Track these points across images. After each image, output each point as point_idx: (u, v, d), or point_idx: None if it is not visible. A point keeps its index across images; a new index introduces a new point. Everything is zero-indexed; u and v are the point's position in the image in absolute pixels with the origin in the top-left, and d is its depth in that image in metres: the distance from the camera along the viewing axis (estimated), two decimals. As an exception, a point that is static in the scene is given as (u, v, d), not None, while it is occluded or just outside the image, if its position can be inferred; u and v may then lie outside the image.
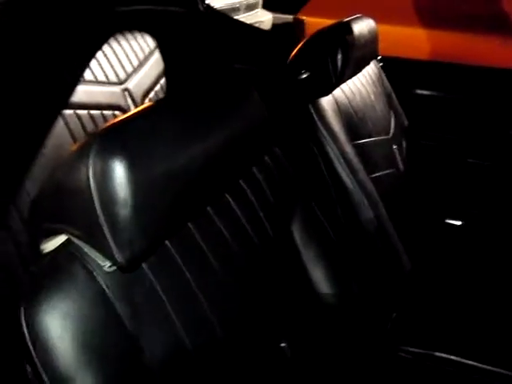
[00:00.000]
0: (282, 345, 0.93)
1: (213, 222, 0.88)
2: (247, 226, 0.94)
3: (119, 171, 0.67)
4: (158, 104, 0.85)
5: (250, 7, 4.26)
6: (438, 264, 1.64)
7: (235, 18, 2.62)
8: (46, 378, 0.68)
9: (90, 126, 1.63)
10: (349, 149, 1.52)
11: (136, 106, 1.80)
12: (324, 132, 1.48)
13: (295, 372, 0.96)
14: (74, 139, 1.58)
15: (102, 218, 0.67)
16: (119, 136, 0.71)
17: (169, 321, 0.77)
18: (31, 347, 0.68)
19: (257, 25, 3.11)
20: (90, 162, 0.68)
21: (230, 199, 0.93)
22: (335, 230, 1.15)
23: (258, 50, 2.03)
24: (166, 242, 0.79)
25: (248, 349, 0.89)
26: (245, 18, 3.96)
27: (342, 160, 1.49)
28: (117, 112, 1.73)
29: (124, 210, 0.67)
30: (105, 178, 0.67)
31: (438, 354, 1.30)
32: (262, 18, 4.32)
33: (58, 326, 0.68)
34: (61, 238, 0.74)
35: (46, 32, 1.68)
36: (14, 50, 1.52)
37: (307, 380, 0.99)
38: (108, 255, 0.70)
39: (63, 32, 1.76)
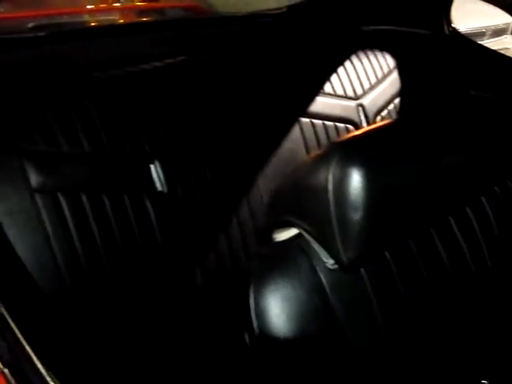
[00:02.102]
0: (484, 382, 0.91)
1: (433, 242, 0.90)
2: (467, 253, 0.94)
3: (357, 178, 0.73)
4: (396, 122, 0.90)
5: (497, 33, 4.07)
6: None
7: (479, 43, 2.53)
8: (261, 346, 0.77)
9: (322, 136, 1.75)
10: None
11: (368, 122, 1.86)
12: None
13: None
14: (307, 146, 1.70)
15: (334, 219, 0.74)
16: (361, 147, 0.77)
17: (377, 328, 0.81)
18: (254, 318, 0.77)
19: (502, 51, 2.95)
20: (331, 166, 0.75)
21: (454, 224, 0.93)
22: None
23: (499, 78, 1.94)
24: (386, 252, 0.83)
25: (447, 377, 0.89)
26: (490, 43, 3.79)
27: None
28: (349, 126, 1.82)
29: (356, 215, 0.73)
30: (343, 182, 0.74)
31: None
32: (510, 45, 4.09)
33: (278, 306, 0.77)
34: (292, 231, 0.83)
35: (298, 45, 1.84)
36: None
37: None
38: (333, 253, 0.77)
39: (311, 45, 1.90)
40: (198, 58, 1.70)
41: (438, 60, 2.02)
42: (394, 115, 1.98)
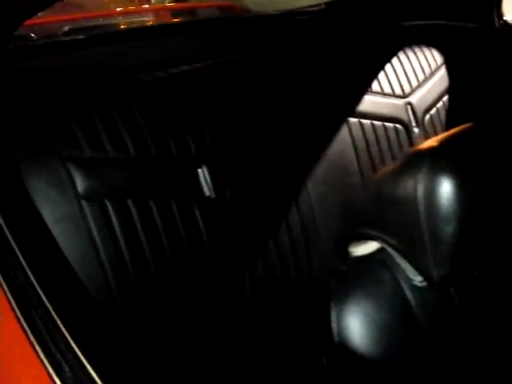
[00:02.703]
0: None
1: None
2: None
3: (449, 189, 0.67)
4: (479, 125, 0.83)
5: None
6: None
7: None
8: (341, 372, 0.72)
9: (371, 136, 1.68)
10: None
11: (417, 120, 1.80)
12: None
13: None
14: (355, 146, 1.64)
15: (425, 232, 0.68)
16: (451, 153, 0.71)
17: (468, 352, 0.75)
18: (336, 335, 0.72)
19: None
20: (420, 176, 0.69)
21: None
22: None
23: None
24: (475, 269, 0.77)
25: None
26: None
27: None
28: (398, 125, 1.75)
29: (449, 227, 0.68)
30: (434, 193, 0.68)
31: None
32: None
33: (362, 328, 0.72)
34: (372, 245, 0.77)
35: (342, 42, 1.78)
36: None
37: None
38: (423, 270, 0.71)
39: (355, 43, 1.84)
40: (241, 58, 1.65)
41: (488, 55, 1.94)
42: (443, 113, 1.90)
